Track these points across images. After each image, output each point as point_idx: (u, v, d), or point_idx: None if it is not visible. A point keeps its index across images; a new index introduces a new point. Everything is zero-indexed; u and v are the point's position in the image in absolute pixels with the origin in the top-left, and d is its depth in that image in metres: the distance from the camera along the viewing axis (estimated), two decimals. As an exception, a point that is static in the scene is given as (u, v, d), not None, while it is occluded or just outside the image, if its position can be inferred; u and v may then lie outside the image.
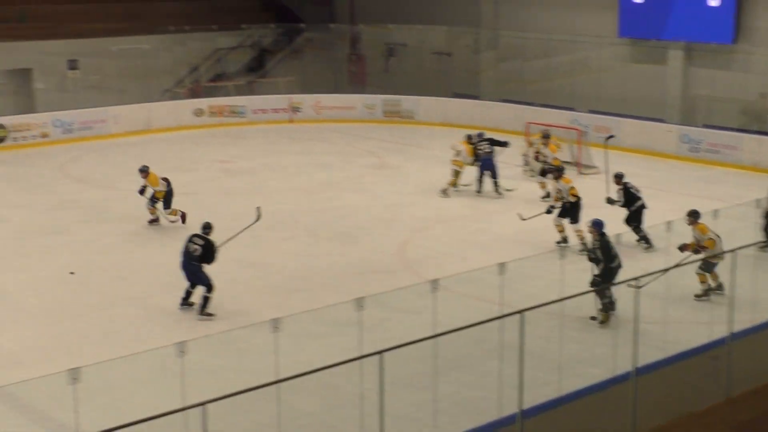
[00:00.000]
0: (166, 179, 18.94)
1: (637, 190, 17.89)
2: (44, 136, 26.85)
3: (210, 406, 8.12)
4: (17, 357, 12.71)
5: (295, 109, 30.57)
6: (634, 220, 17.49)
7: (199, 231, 14.55)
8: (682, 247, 14.46)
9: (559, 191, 17.67)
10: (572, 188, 17.57)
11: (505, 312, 10.97)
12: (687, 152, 25.25)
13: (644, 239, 17.29)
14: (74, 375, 8.23)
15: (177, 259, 16.59)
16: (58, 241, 17.92)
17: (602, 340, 12.24)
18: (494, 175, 21.15)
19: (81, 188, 22.14)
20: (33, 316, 14.27)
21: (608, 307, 13.43)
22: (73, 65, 29.77)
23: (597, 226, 13.97)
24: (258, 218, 15.76)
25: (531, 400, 10.23)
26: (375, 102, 30.79)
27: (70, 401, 8.56)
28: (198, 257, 14.24)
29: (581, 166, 23.53)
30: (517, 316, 9.99)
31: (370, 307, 11.12)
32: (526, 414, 9.98)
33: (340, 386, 10.59)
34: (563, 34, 29.50)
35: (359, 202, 20.93)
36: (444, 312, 13.61)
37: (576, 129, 24.81)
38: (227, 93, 32.09)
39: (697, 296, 14.45)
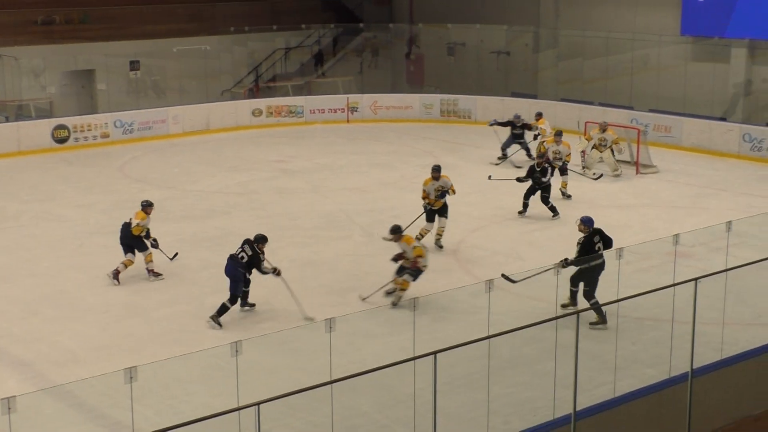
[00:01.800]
0: None
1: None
2: (105, 136, 27.23)
3: (264, 406, 8.19)
4: (76, 355, 12.91)
5: (353, 109, 30.65)
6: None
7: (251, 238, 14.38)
8: (395, 258, 14.53)
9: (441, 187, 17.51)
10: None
11: (560, 312, 10.93)
12: (749, 151, 24.86)
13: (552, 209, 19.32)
14: (131, 374, 8.35)
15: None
16: (116, 240, 18.12)
17: (659, 340, 12.09)
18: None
19: (140, 188, 22.41)
20: (91, 315, 14.46)
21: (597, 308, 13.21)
22: (134, 66, 30.18)
23: (586, 223, 13.83)
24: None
25: (586, 401, 10.16)
26: (432, 101, 30.77)
27: (127, 400, 8.69)
28: (245, 264, 14.11)
29: (640, 166, 23.28)
30: (573, 316, 9.95)
31: (424, 307, 11.14)
32: (581, 415, 9.92)
33: (394, 386, 10.60)
34: (624, 32, 29.23)
35: (415, 202, 20.87)
36: (499, 312, 13.60)
37: (635, 128, 24.55)
38: (286, 93, 32.30)
39: (393, 304, 14.15)
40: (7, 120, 27.76)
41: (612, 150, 22.87)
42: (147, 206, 16.05)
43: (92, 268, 16.60)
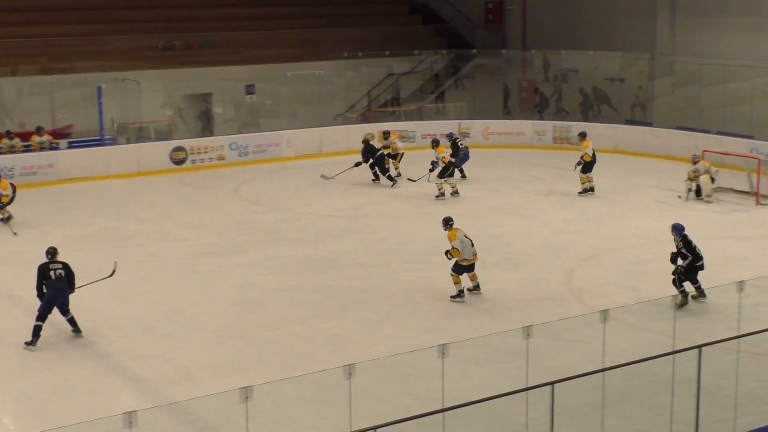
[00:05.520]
0: (13, 185, 21.31)
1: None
2: (221, 158, 27.78)
3: (379, 430, 8.19)
4: (191, 374, 13.12)
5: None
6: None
7: (46, 259, 14.22)
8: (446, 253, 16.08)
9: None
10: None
11: (677, 345, 10.69)
12: None
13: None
14: (246, 393, 8.44)
15: (344, 283, 16.90)
16: (231, 261, 18.45)
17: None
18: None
19: (254, 210, 22.77)
20: (204, 333, 14.69)
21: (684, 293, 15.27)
22: (250, 90, 30.75)
23: (677, 230, 15.59)
24: (113, 273, 15.30)
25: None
26: (545, 128, 30.54)
27: (240, 418, 8.78)
28: (67, 280, 14.13)
29: (760, 196, 22.65)
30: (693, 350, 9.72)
31: (536, 335, 10.99)
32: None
33: (506, 415, 10.46)
34: (743, 59, 28.57)
35: (526, 229, 20.75)
36: (612, 343, 13.37)
37: (755, 158, 23.92)
38: (398, 118, 32.46)
39: (452, 297, 15.99)
40: (128, 141, 28.59)
41: (711, 178, 22.78)
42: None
43: (206, 287, 16.90)
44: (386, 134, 26.08)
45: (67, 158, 26.09)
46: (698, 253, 15.39)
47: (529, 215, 21.98)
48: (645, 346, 13.32)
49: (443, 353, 9.76)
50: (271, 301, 16.17)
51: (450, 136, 26.16)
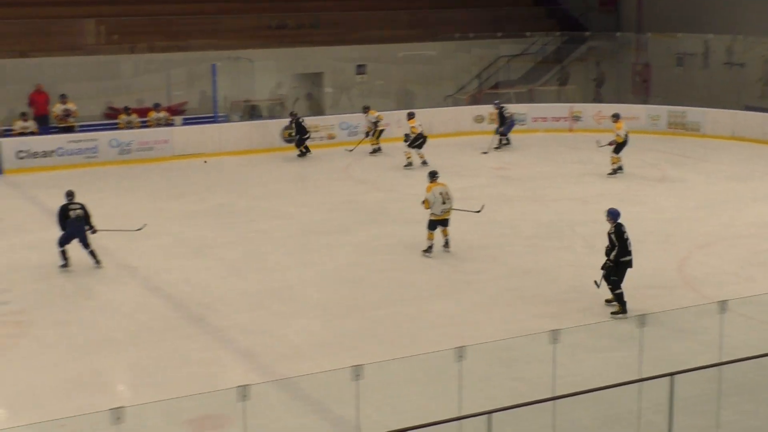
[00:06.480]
0: None
1: None
2: (331, 137, 27.97)
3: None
4: (301, 350, 13.24)
5: (576, 118, 30.21)
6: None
7: (65, 201, 16.18)
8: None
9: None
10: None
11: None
12: None
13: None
14: (357, 372, 8.50)
15: (453, 264, 16.87)
16: (339, 239, 18.57)
17: None
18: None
19: (363, 189, 22.87)
20: (316, 311, 14.82)
21: (620, 298, 14.13)
22: (360, 70, 30.85)
23: (612, 215, 14.57)
24: (140, 228, 17.48)
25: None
26: (659, 113, 29.89)
27: (351, 397, 8.84)
28: (85, 219, 16.10)
29: None
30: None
31: (650, 324, 10.82)
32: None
33: (617, 402, 10.30)
34: None
35: (638, 215, 20.32)
36: (728, 334, 13.08)
37: None
38: (508, 100, 32.17)
39: (423, 251, 17.14)
40: (240, 119, 28.99)
41: None
42: None
43: (315, 265, 17.05)
44: (366, 109, 27.00)
45: (181, 134, 26.62)
46: (627, 247, 14.28)
47: (641, 201, 21.58)
48: (762, 339, 13.01)
49: (555, 339, 9.67)
50: (380, 280, 16.22)
51: (497, 105, 27.68)
